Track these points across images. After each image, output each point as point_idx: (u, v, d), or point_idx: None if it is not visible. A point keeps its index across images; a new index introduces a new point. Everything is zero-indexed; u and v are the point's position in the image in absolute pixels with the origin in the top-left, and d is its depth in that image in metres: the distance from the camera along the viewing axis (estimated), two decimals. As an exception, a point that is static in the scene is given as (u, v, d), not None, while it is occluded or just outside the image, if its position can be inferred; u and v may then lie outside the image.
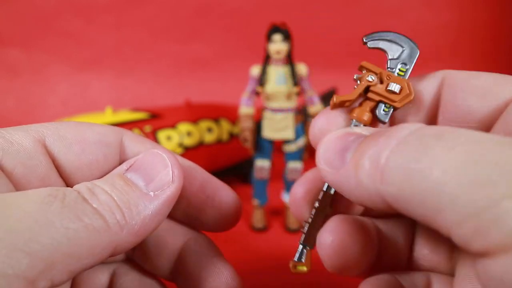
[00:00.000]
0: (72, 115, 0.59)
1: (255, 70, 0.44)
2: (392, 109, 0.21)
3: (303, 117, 0.49)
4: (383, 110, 0.21)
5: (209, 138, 0.53)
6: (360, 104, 0.21)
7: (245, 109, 0.45)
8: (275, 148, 0.47)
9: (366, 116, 0.21)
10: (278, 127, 0.44)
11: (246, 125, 0.45)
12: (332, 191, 0.21)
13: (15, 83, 0.79)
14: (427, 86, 0.21)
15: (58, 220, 0.15)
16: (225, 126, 0.55)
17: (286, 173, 0.46)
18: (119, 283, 0.23)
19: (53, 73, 0.80)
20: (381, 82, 0.21)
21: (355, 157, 0.16)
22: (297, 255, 0.21)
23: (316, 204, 0.21)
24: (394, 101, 0.20)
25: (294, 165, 0.46)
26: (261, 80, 0.43)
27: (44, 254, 0.14)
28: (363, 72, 0.21)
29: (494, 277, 0.12)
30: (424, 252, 0.21)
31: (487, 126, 0.19)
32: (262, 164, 0.46)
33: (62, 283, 0.15)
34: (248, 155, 0.55)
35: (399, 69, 0.21)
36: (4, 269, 0.13)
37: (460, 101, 0.19)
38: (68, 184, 0.21)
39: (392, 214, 0.22)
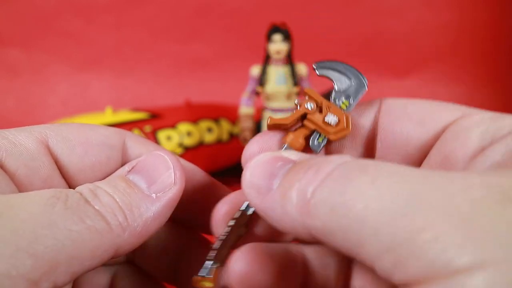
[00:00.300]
0: (72, 115, 0.59)
1: (255, 70, 0.44)
2: (326, 140, 0.21)
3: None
4: (317, 140, 0.21)
5: (209, 138, 0.53)
6: (295, 130, 0.21)
7: (245, 109, 0.45)
8: (275, 148, 0.47)
9: (299, 144, 0.20)
10: (278, 127, 0.44)
11: (246, 125, 0.45)
12: (249, 212, 0.20)
13: (15, 83, 0.79)
14: (365, 115, 0.21)
15: (61, 221, 0.15)
16: (225, 126, 0.55)
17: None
18: (120, 285, 0.23)
19: (53, 73, 0.80)
20: (321, 111, 0.20)
21: (283, 186, 0.16)
22: (203, 270, 0.20)
23: (231, 222, 0.20)
24: (329, 133, 0.20)
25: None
26: (261, 80, 0.43)
27: (47, 255, 0.14)
28: (306, 98, 0.21)
29: None
30: (361, 284, 0.20)
31: (425, 152, 0.19)
32: (262, 164, 0.46)
33: (64, 284, 0.15)
34: (248, 155, 0.55)
35: (342, 102, 0.21)
36: (8, 270, 0.13)
37: (398, 128, 0.19)
38: (71, 185, 0.21)
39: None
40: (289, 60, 0.43)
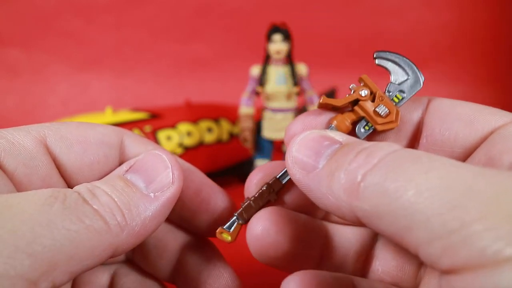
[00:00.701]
0: (72, 115, 0.59)
1: (255, 70, 0.44)
2: (372, 130, 0.21)
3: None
4: (364, 128, 0.21)
5: (209, 138, 0.53)
6: (344, 113, 0.21)
7: (245, 109, 0.45)
8: (275, 148, 0.47)
9: (345, 126, 0.21)
10: (278, 127, 0.44)
11: (246, 125, 0.45)
12: (284, 181, 0.21)
13: (15, 83, 0.79)
14: (412, 110, 0.21)
15: (60, 221, 0.15)
16: (225, 126, 0.55)
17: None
18: (119, 284, 0.23)
19: (53, 73, 0.80)
20: (373, 100, 0.21)
21: (330, 166, 0.16)
22: (227, 224, 0.22)
23: (264, 187, 0.22)
24: (377, 123, 0.20)
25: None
26: (261, 80, 0.43)
27: (46, 255, 0.14)
28: (361, 84, 0.21)
29: None
30: (388, 266, 0.21)
31: (469, 152, 0.19)
32: (262, 164, 0.46)
33: (63, 284, 0.15)
34: (248, 155, 0.55)
35: (396, 96, 0.21)
36: (6, 270, 0.13)
37: (447, 126, 0.20)
38: (69, 184, 0.21)
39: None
40: (289, 60, 0.43)
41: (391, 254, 0.21)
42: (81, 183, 0.20)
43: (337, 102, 0.21)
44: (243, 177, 0.67)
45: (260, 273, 0.37)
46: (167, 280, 0.24)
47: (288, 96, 0.44)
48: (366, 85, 0.21)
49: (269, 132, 0.45)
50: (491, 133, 0.19)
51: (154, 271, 0.24)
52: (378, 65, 0.21)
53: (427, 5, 0.80)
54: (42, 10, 0.77)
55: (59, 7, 0.78)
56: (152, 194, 0.19)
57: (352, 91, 0.21)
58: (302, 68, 0.44)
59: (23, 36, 0.79)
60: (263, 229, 0.20)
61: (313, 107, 0.45)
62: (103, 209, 0.17)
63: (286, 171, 0.21)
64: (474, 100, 0.20)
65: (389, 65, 0.21)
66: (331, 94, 0.68)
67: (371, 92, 0.21)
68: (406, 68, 0.21)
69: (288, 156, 0.18)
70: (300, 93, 0.45)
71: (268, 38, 0.43)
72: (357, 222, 0.16)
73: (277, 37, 0.42)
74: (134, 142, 0.22)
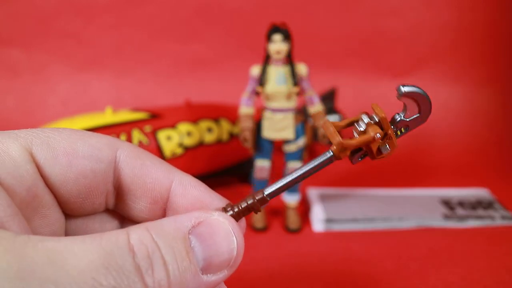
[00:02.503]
0: (72, 115, 0.59)
1: (255, 70, 0.44)
2: (364, 158, 0.21)
3: (303, 117, 0.49)
4: (360, 157, 0.21)
5: (209, 138, 0.53)
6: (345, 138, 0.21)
7: (245, 109, 0.45)
8: (275, 148, 0.47)
9: (344, 155, 0.21)
10: (278, 127, 0.44)
11: (246, 125, 0.45)
12: (269, 199, 0.21)
13: (15, 83, 0.79)
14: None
15: None
16: (225, 126, 0.55)
17: (286, 173, 0.46)
18: None
19: (53, 73, 0.80)
20: (382, 138, 0.21)
21: None
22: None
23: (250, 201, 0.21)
24: (374, 158, 0.21)
25: (294, 165, 0.46)
26: (261, 80, 0.43)
27: None
28: (373, 117, 0.21)
29: None
30: None
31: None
32: (262, 164, 0.46)
33: None
34: (248, 155, 0.55)
35: (400, 130, 0.21)
36: None
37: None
38: (55, 194, 0.20)
39: None
40: (289, 60, 0.43)
41: None
42: (66, 197, 0.20)
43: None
44: (243, 177, 0.67)
45: (260, 272, 0.37)
46: None
47: (288, 96, 0.44)
48: (380, 123, 0.21)
49: (269, 132, 0.45)
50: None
51: None
52: (400, 99, 0.21)
53: (427, 5, 0.80)
54: (42, 10, 0.77)
55: (59, 7, 0.78)
56: (205, 277, 0.17)
57: (364, 127, 0.21)
58: (302, 68, 0.44)
59: (23, 36, 0.79)
60: None
61: (314, 107, 0.45)
62: (153, 286, 0.15)
63: (275, 190, 0.21)
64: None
65: (409, 102, 0.21)
66: (330, 94, 0.68)
67: (383, 132, 0.20)
68: (422, 105, 0.21)
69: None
70: (300, 93, 0.45)
71: (268, 38, 0.43)
72: None
73: (277, 37, 0.42)
74: (130, 156, 0.21)
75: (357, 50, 0.80)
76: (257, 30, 0.56)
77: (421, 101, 0.21)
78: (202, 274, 0.17)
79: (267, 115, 0.44)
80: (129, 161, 0.21)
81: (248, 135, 0.45)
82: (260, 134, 0.45)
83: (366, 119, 0.21)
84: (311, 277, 0.37)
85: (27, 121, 0.75)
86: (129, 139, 0.49)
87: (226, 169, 0.55)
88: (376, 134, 0.20)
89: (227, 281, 0.21)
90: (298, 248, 0.42)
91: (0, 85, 0.79)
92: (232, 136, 0.55)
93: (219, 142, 0.54)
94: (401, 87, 0.20)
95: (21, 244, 0.14)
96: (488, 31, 0.81)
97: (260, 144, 0.46)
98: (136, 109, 0.54)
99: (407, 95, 0.20)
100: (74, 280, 0.14)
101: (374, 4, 0.80)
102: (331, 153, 0.21)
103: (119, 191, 0.22)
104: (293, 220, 0.46)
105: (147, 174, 0.21)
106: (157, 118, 0.52)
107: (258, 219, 0.46)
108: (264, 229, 0.46)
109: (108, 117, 0.50)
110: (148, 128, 0.50)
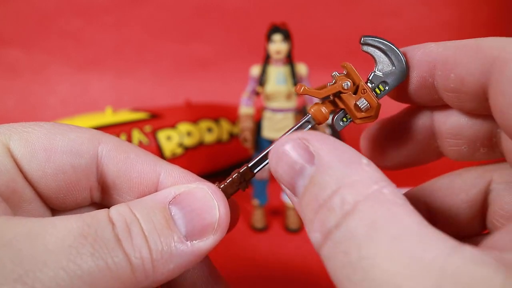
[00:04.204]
0: (72, 115, 0.59)
1: (255, 70, 0.44)
2: (350, 121, 0.20)
3: (303, 117, 0.49)
4: (342, 120, 0.20)
5: (209, 138, 0.53)
6: (323, 102, 0.21)
7: (245, 109, 0.45)
8: (275, 148, 0.47)
9: (322, 116, 0.20)
10: (278, 127, 0.44)
11: (246, 125, 0.45)
12: (255, 171, 0.21)
13: (15, 83, 0.79)
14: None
15: (85, 266, 0.14)
16: (225, 126, 0.55)
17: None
18: None
19: (53, 73, 0.80)
20: (355, 92, 0.20)
21: (304, 204, 0.16)
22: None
23: (235, 176, 0.21)
24: (356, 118, 0.20)
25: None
26: (261, 80, 0.43)
27: None
28: (344, 73, 0.20)
29: None
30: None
31: None
32: (262, 164, 0.46)
33: None
34: (248, 155, 0.55)
35: (378, 87, 0.20)
36: None
37: None
38: (36, 189, 0.19)
39: None
40: (289, 60, 0.43)
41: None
42: (46, 192, 0.19)
43: (317, 94, 0.20)
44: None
45: (260, 271, 0.37)
46: None
47: (288, 96, 0.44)
48: (348, 75, 0.20)
49: (269, 132, 0.45)
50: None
51: None
52: (365, 51, 0.20)
53: (427, 5, 0.80)
54: (42, 10, 0.77)
55: (59, 7, 0.78)
56: (189, 243, 0.17)
57: (334, 80, 0.20)
58: (302, 68, 0.44)
59: (23, 36, 0.79)
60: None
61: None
62: (134, 255, 0.16)
63: (257, 161, 0.20)
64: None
65: (376, 53, 0.20)
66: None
67: (354, 83, 0.20)
68: (393, 57, 0.20)
69: (271, 164, 0.17)
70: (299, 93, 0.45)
71: (268, 38, 0.43)
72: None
73: (277, 37, 0.42)
74: (113, 150, 0.21)
75: (357, 49, 0.80)
76: (257, 30, 0.56)
77: (391, 54, 0.20)
78: (187, 240, 0.17)
79: (267, 115, 0.44)
80: (112, 155, 0.21)
81: (248, 135, 0.45)
82: (260, 134, 0.45)
83: (336, 75, 0.20)
84: (311, 277, 0.37)
85: (27, 121, 0.75)
86: (129, 139, 0.49)
87: (226, 169, 0.55)
88: (344, 83, 0.20)
89: (227, 281, 0.21)
90: (298, 248, 0.42)
91: (0, 85, 0.79)
92: (232, 136, 0.55)
93: (219, 142, 0.54)
94: (364, 37, 0.20)
95: (3, 222, 0.15)
96: (489, 31, 0.81)
97: (260, 144, 0.46)
98: (136, 109, 0.54)
99: (369, 43, 0.20)
100: (51, 248, 0.14)
101: (374, 4, 0.80)
102: (309, 115, 0.20)
103: (104, 186, 0.21)
104: (293, 220, 0.46)
105: (132, 168, 0.21)
106: (157, 118, 0.52)
107: (258, 219, 0.46)
108: (264, 229, 0.46)
109: (108, 117, 0.50)
110: (148, 128, 0.50)
